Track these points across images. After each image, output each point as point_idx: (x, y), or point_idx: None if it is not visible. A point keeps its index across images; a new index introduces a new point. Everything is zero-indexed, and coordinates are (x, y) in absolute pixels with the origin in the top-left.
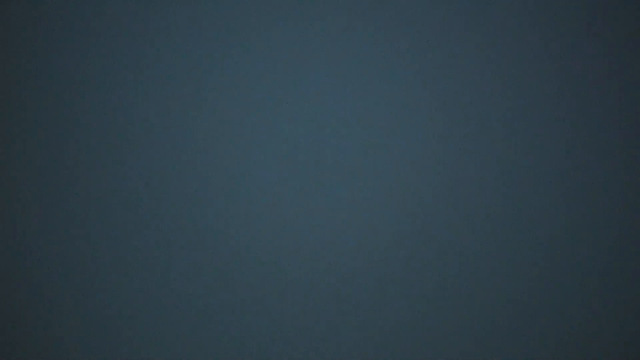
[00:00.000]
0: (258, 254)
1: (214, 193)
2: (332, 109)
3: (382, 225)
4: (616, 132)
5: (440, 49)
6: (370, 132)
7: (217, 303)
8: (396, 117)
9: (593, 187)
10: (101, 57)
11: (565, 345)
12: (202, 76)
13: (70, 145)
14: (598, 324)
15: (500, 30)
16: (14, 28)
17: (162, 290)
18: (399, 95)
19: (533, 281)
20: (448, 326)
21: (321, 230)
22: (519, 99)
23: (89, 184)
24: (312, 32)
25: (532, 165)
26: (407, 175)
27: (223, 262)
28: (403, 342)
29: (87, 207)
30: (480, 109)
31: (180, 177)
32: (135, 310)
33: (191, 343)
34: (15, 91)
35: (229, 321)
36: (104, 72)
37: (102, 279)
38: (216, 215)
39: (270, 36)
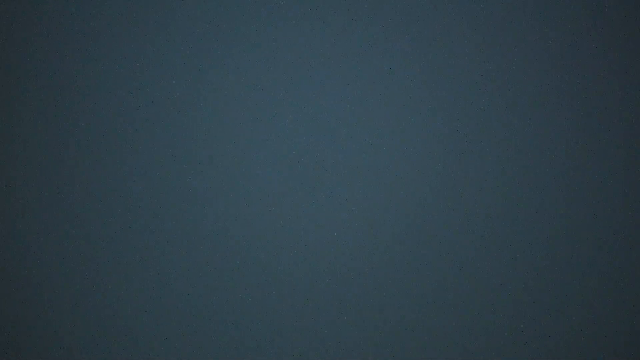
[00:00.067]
0: (258, 253)
1: (214, 193)
2: (332, 109)
3: (382, 225)
4: (616, 132)
5: (440, 49)
6: (370, 132)
7: (217, 303)
8: (396, 117)
9: (593, 187)
10: (101, 57)
11: (565, 345)
12: (202, 76)
13: (71, 145)
14: (598, 324)
15: (500, 30)
16: (14, 28)
17: (162, 290)
18: (399, 95)
19: (533, 281)
20: (448, 326)
21: (321, 230)
22: (519, 98)
23: (89, 184)
24: (312, 32)
25: (532, 165)
26: (407, 175)
27: (223, 262)
28: (403, 342)
29: (87, 207)
30: (480, 108)
31: (180, 177)
32: (135, 310)
33: (191, 343)
34: (15, 91)
35: (229, 321)
36: (104, 72)
37: (102, 279)
38: (216, 215)
39: (270, 36)
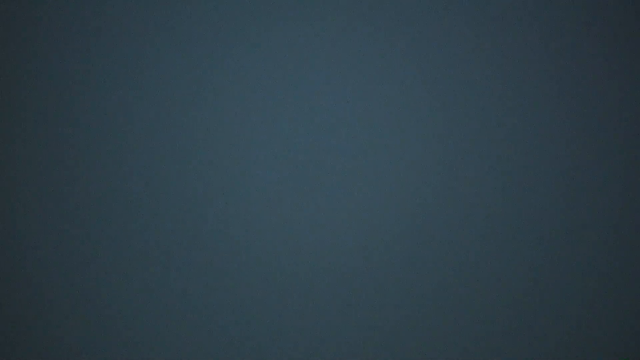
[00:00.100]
0: (258, 253)
1: (214, 193)
2: (332, 109)
3: (382, 225)
4: (616, 132)
5: (440, 49)
6: (370, 132)
7: (217, 303)
8: (396, 117)
9: (593, 187)
10: (101, 57)
11: (565, 345)
12: (202, 76)
13: (71, 145)
14: (598, 324)
15: (501, 30)
16: (14, 28)
17: (162, 290)
18: (399, 95)
19: (533, 281)
20: (448, 326)
21: (321, 230)
22: (519, 98)
23: (89, 184)
24: (312, 32)
25: (532, 166)
26: (407, 175)
27: (223, 261)
28: (403, 342)
29: (87, 207)
30: (480, 108)
31: (180, 176)
32: (135, 310)
33: (191, 343)
34: (15, 91)
35: (229, 321)
36: (104, 72)
37: (102, 279)
38: (216, 215)
39: (270, 36)
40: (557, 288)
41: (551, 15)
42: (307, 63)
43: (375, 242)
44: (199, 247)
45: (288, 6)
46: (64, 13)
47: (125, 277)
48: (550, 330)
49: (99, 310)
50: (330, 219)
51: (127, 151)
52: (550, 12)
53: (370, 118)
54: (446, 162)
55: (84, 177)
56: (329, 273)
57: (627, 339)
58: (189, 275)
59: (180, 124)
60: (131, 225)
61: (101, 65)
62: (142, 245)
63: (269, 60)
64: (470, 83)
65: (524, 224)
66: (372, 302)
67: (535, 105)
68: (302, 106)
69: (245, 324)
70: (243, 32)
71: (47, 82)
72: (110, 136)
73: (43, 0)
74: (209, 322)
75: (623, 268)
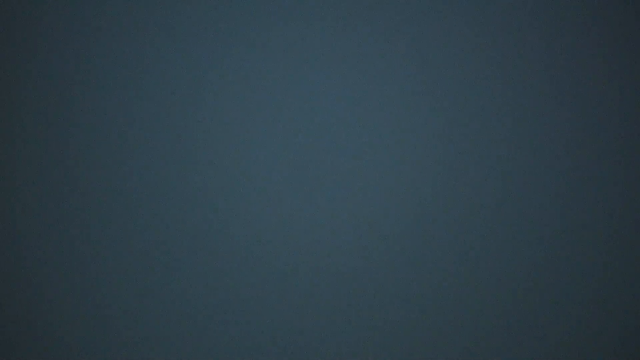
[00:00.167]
0: (258, 253)
1: (214, 193)
2: (333, 109)
3: (382, 225)
4: (616, 132)
5: (440, 49)
6: (370, 132)
7: (217, 303)
8: (396, 117)
9: (593, 187)
10: (101, 57)
11: (565, 345)
12: (202, 76)
13: (71, 145)
14: (598, 324)
15: (501, 30)
16: (14, 28)
17: (162, 290)
18: (399, 95)
19: (534, 281)
20: (448, 326)
21: (321, 230)
22: (519, 98)
23: (89, 184)
24: (312, 32)
25: (532, 166)
26: (407, 175)
27: (223, 261)
28: (403, 342)
29: (88, 207)
30: (480, 109)
31: (180, 176)
32: (136, 310)
33: (191, 343)
34: (15, 91)
35: (229, 321)
36: (104, 71)
37: (102, 279)
38: (216, 215)
39: (271, 36)
40: (558, 288)
41: (551, 15)
42: (307, 63)
43: (375, 242)
44: (198, 247)
45: (288, 6)
46: (64, 13)
47: (125, 277)
48: (550, 330)
49: (99, 310)
50: (330, 219)
51: (127, 151)
52: (550, 12)
53: (371, 118)
54: (446, 162)
55: (84, 177)
56: (329, 273)
57: (627, 339)
58: (189, 276)
59: (180, 123)
60: (131, 225)
61: (101, 65)
62: (142, 245)
63: (269, 60)
64: (470, 83)
65: (524, 224)
66: (372, 302)
67: (535, 105)
68: (302, 106)
69: (245, 324)
70: (243, 32)
71: (47, 82)
72: (110, 136)
73: (43, 0)
74: (209, 321)
75: (623, 268)
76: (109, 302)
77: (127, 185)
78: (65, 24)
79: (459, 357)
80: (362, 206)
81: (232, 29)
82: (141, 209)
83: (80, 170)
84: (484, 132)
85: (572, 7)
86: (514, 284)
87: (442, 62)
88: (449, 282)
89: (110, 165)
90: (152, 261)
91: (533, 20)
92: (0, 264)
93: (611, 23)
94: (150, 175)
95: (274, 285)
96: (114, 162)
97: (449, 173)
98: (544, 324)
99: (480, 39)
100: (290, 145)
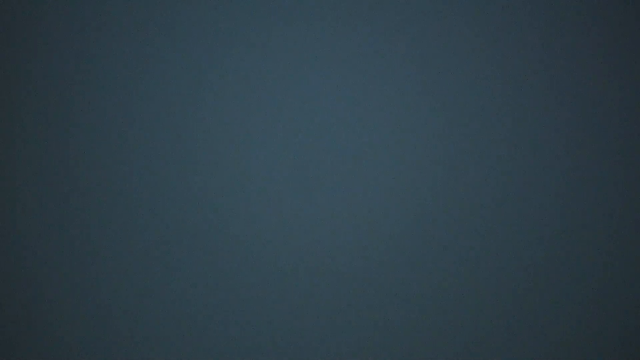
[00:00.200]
0: (258, 253)
1: (214, 193)
2: (333, 109)
3: (383, 225)
4: (616, 132)
5: (441, 49)
6: (370, 132)
7: (217, 302)
8: (396, 117)
9: (593, 187)
10: (101, 57)
11: (565, 345)
12: (202, 76)
13: (71, 145)
14: (598, 324)
15: (501, 30)
16: (14, 28)
17: (162, 290)
18: (399, 95)
19: (534, 282)
20: (448, 326)
21: (321, 230)
22: (519, 98)
23: (89, 184)
24: (312, 32)
25: (533, 166)
26: (407, 175)
27: (223, 261)
28: (403, 342)
29: (87, 207)
30: (480, 109)
31: (180, 176)
32: (136, 310)
33: (191, 343)
34: (15, 91)
35: (229, 321)
36: (104, 71)
37: (102, 278)
38: (216, 215)
39: (271, 36)
40: (558, 288)
41: (551, 15)
42: (307, 63)
43: (375, 242)
44: (199, 247)
45: (288, 6)
46: (64, 13)
47: (125, 277)
48: (550, 330)
49: (99, 310)
50: (330, 219)
51: (127, 151)
52: (550, 12)
53: (371, 118)
54: (446, 162)
55: (84, 176)
56: (329, 273)
57: (627, 339)
58: (189, 275)
59: (180, 123)
60: (131, 225)
61: (101, 65)
62: (142, 245)
63: (269, 60)
64: (470, 83)
65: (524, 224)
66: (372, 302)
67: (535, 105)
68: (302, 106)
69: (245, 324)
70: (243, 32)
71: (47, 82)
72: (110, 136)
73: (43, 0)
74: (209, 321)
75: (623, 268)
76: (109, 302)
77: (127, 185)
78: (65, 24)
79: (459, 357)
80: (362, 206)
81: (232, 29)
82: (141, 209)
83: (80, 170)
84: (484, 132)
85: (572, 7)
86: (514, 284)
87: (442, 62)
88: (449, 282)
89: (110, 165)
90: (152, 261)
91: (533, 20)
92: (0, 264)
93: (611, 23)
94: (150, 175)
95: (274, 285)
96: (114, 162)
97: (449, 173)
98: (544, 324)
99: (480, 39)
100: (290, 145)
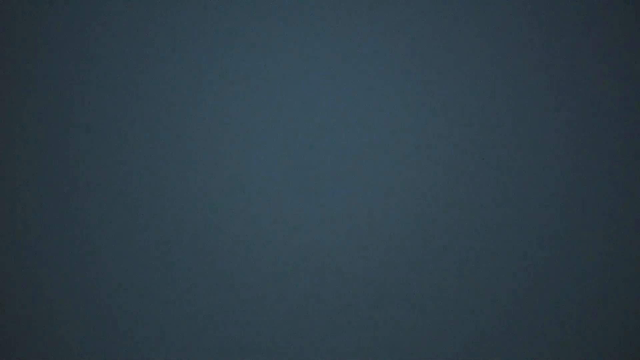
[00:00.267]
0: (258, 253)
1: (214, 192)
2: (333, 109)
3: (383, 225)
4: (616, 132)
5: (440, 49)
6: (370, 132)
7: (217, 302)
8: (397, 117)
9: (593, 187)
10: (101, 56)
11: (565, 345)
12: (202, 76)
13: (71, 145)
14: (598, 324)
15: (501, 30)
16: (14, 28)
17: (162, 290)
18: (399, 95)
19: (534, 282)
20: (448, 326)
21: (321, 230)
22: (519, 98)
23: (89, 184)
24: (312, 32)
25: (533, 166)
26: (407, 175)
27: (223, 261)
28: (403, 342)
29: (87, 207)
30: (480, 109)
31: (180, 176)
32: (136, 310)
33: (191, 343)
34: (15, 91)
35: (229, 321)
36: (104, 71)
37: (102, 278)
38: (216, 215)
39: (271, 36)
40: (558, 288)
41: (551, 15)
42: (307, 63)
43: (375, 242)
44: (198, 246)
45: (288, 6)
46: (64, 13)
47: (125, 277)
48: (550, 330)
49: (99, 310)
50: (330, 219)
51: (127, 151)
52: (550, 12)
53: (371, 118)
54: (446, 162)
55: (84, 176)
56: (329, 273)
57: (627, 339)
58: (189, 275)
59: (180, 123)
60: (131, 225)
61: (101, 65)
62: (142, 245)
63: (269, 60)
64: (470, 83)
65: (524, 224)
66: (373, 302)
67: (535, 105)
68: (302, 106)
69: (245, 324)
70: (243, 32)
71: (47, 82)
72: (110, 136)
73: (43, 0)
74: (209, 321)
75: (623, 268)
76: (109, 302)
77: (127, 185)
78: (65, 24)
79: (459, 357)
80: (362, 206)
81: (232, 29)
82: (141, 209)
83: (80, 170)
84: (484, 132)
85: (572, 7)
86: (514, 284)
87: (442, 62)
88: (449, 282)
89: (110, 165)
90: (152, 261)
91: (533, 20)
92: (0, 264)
93: (611, 23)
94: (150, 175)
95: (274, 285)
96: (114, 162)
97: (449, 173)
98: (544, 324)
99: (480, 39)
100: (290, 145)
